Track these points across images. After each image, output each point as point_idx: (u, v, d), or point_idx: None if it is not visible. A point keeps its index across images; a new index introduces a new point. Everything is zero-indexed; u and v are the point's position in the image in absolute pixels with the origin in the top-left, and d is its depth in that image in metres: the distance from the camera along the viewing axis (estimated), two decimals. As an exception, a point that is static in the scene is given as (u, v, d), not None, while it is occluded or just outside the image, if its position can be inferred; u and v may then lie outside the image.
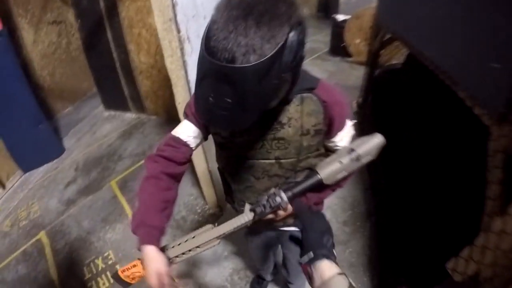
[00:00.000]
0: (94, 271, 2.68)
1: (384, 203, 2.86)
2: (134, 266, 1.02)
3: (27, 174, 4.05)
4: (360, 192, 3.09)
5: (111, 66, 4.66)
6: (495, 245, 1.11)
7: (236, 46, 0.71)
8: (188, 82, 2.25)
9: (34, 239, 3.05)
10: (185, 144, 1.17)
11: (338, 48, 6.62)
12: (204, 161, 2.67)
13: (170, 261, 1.01)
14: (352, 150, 0.99)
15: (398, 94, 3.61)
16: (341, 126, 1.13)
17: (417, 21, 2.25)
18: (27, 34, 4.60)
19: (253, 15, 0.71)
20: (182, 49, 2.11)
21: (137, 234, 1.00)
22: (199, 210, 3.04)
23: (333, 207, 2.93)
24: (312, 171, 1.03)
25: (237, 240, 2.61)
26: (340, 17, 6.58)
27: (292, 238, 1.28)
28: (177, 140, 1.17)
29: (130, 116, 5.10)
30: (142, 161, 3.78)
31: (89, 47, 4.78)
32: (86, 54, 4.90)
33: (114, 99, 5.08)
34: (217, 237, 1.01)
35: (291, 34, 0.75)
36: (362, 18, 6.08)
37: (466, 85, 1.50)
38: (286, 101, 1.01)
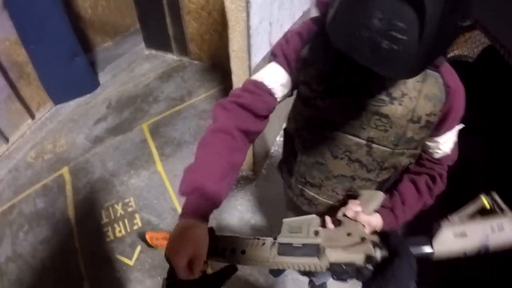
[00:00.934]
0: (112, 216, 2.62)
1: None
2: (165, 238, 0.81)
3: (58, 106, 3.96)
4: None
5: (158, 3, 4.40)
6: None
7: None
8: (248, 27, 1.95)
9: (56, 174, 2.99)
10: (269, 92, 0.94)
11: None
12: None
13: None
14: (485, 241, 0.72)
15: (469, 92, 3.31)
16: (453, 123, 0.92)
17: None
18: None
19: None
20: (246, -13, 1.85)
21: (187, 198, 0.78)
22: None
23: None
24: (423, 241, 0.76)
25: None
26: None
27: None
28: (260, 85, 0.94)
29: (171, 57, 4.87)
30: (178, 107, 3.70)
31: (136, -20, 4.55)
32: (132, -12, 4.69)
33: (156, 38, 4.85)
34: (269, 262, 0.74)
35: None
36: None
37: None
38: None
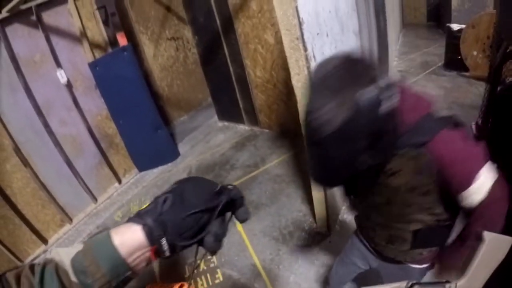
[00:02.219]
0: (195, 271, 2.84)
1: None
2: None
3: (142, 173, 4.44)
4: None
5: (227, 80, 4.92)
6: None
7: (319, 120, 0.87)
8: None
9: None
10: None
11: (454, 61, 6.21)
12: (322, 195, 2.70)
13: None
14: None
15: None
16: (465, 184, 1.00)
17: None
18: (148, 48, 5.23)
19: (331, 87, 0.88)
20: (308, 67, 2.15)
21: None
22: (306, 228, 3.04)
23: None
24: None
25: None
26: (455, 26, 6.20)
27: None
28: None
29: (243, 128, 5.26)
30: (254, 173, 3.98)
31: (206, 61, 5.10)
32: (203, 67, 5.24)
33: (228, 111, 5.33)
34: None
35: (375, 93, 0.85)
36: (478, 27, 5.66)
37: None
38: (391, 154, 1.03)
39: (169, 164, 4.57)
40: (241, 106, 5.09)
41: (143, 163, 4.49)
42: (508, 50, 3.47)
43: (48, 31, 3.61)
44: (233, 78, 4.85)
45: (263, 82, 4.59)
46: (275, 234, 3.05)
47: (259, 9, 4.04)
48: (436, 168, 1.01)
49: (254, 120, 5.09)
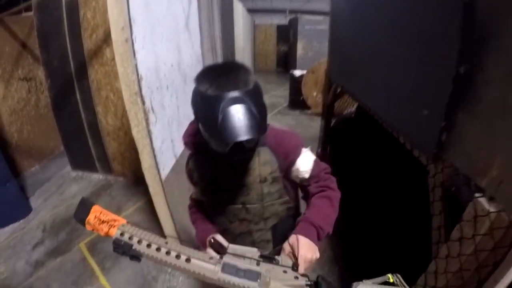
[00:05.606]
0: None
1: (348, 245, 3.11)
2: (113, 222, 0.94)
3: None
4: (325, 240, 3.25)
5: (79, 127, 4.74)
6: (444, 269, 1.30)
7: (235, 83, 1.02)
8: (153, 149, 2.43)
9: None
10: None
11: (297, 102, 7.02)
12: (171, 221, 2.84)
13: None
14: None
15: (353, 141, 3.94)
16: (297, 153, 1.30)
17: (361, 76, 2.58)
18: None
19: (229, 70, 1.08)
20: (147, 120, 2.31)
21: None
22: (169, 269, 3.08)
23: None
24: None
25: None
26: (297, 72, 7.03)
27: None
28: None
29: (97, 177, 5.13)
30: None
31: (57, 106, 4.86)
32: (55, 113, 4.97)
33: (81, 160, 5.10)
34: (211, 276, 0.86)
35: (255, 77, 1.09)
36: (317, 72, 6.53)
37: (404, 131, 1.78)
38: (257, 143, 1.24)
39: (21, 221, 4.16)
40: (94, 154, 4.95)
41: (-7, 221, 3.99)
42: (337, 91, 4.08)
43: None
44: (85, 125, 4.72)
45: (114, 130, 4.57)
46: (140, 282, 3.03)
47: (112, 57, 4.02)
48: (274, 154, 1.26)
49: (107, 168, 4.98)
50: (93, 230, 0.93)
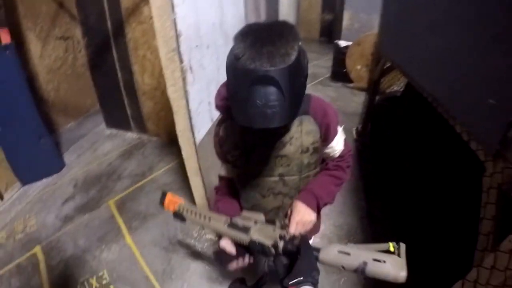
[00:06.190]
0: None
1: (381, 233, 2.88)
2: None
3: (26, 186, 4.05)
4: (357, 220, 3.09)
5: (115, 85, 4.73)
6: (486, 281, 1.15)
7: (271, 56, 0.85)
8: (189, 111, 2.30)
9: (29, 253, 3.05)
10: None
11: (340, 74, 6.73)
12: (202, 187, 2.71)
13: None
14: (364, 264, 0.88)
15: (397, 122, 3.68)
16: (334, 132, 1.26)
17: (417, 52, 2.32)
18: (34, 47, 4.72)
19: (271, 36, 0.89)
20: (184, 79, 2.17)
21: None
22: (195, 235, 3.05)
23: (328, 235, 2.94)
24: (315, 249, 0.99)
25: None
26: (342, 43, 6.70)
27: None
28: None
29: (131, 135, 5.15)
30: (141, 182, 3.86)
31: (94, 65, 4.86)
32: (91, 71, 4.98)
33: (116, 118, 5.14)
34: (220, 230, 1.16)
35: (300, 46, 0.92)
36: (363, 45, 6.20)
37: (462, 119, 1.55)
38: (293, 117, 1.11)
39: (54, 176, 4.23)
40: (128, 112, 4.95)
41: (26, 175, 4.07)
42: (385, 67, 3.83)
43: None
44: (121, 83, 4.69)
45: (151, 89, 4.50)
46: (165, 244, 3.00)
47: (150, 15, 3.91)
48: (317, 124, 1.20)
49: (142, 127, 4.97)
50: (167, 209, 1.30)
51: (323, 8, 11.23)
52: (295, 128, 1.18)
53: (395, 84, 4.62)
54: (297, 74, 0.91)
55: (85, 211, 3.54)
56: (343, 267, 0.90)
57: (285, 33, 0.92)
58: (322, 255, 0.95)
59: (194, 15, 2.30)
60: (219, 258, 1.20)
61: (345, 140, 1.33)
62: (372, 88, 4.14)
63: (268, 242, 1.02)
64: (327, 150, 1.31)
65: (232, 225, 1.13)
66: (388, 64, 3.64)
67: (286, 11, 7.89)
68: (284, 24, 0.97)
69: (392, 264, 0.86)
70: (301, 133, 1.19)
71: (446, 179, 2.71)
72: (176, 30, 2.00)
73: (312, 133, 1.20)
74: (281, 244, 1.00)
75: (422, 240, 2.41)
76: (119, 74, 4.63)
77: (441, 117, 1.78)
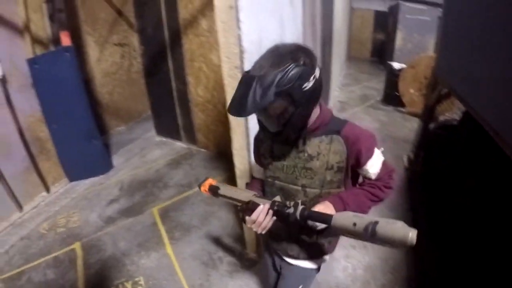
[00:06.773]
0: None
1: (427, 269, 2.73)
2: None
3: (72, 183, 4.20)
4: (402, 255, 2.95)
5: (169, 94, 4.81)
6: None
7: (261, 67, 1.06)
8: (247, 129, 2.27)
9: (68, 248, 3.11)
10: None
11: (392, 97, 6.54)
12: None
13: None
14: (375, 223, 0.96)
15: (454, 153, 3.49)
16: (369, 155, 1.30)
17: (478, 80, 2.20)
18: (92, 51, 4.98)
19: (272, 53, 1.10)
20: (245, 96, 2.13)
21: None
22: (236, 253, 3.01)
23: (372, 267, 2.83)
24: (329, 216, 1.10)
25: None
26: (396, 65, 6.53)
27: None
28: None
29: (180, 145, 5.22)
30: (186, 193, 3.87)
31: (149, 72, 4.98)
32: (146, 78, 5.11)
33: (167, 126, 5.21)
34: (244, 201, 1.27)
35: (300, 66, 1.06)
36: (417, 68, 6.02)
37: None
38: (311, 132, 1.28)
39: (101, 176, 4.35)
40: (179, 123, 5.02)
41: (74, 172, 4.23)
42: (442, 93, 3.69)
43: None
44: (175, 93, 4.77)
45: (203, 102, 4.55)
46: (205, 258, 2.97)
47: (208, 28, 4.02)
48: (346, 147, 1.27)
49: (192, 138, 5.02)
50: (204, 191, 1.42)
51: (375, 27, 11.08)
52: (324, 146, 1.28)
53: (451, 111, 4.42)
54: (280, 84, 1.03)
55: (128, 215, 3.58)
56: (354, 224, 0.98)
57: (280, 56, 1.08)
58: (335, 219, 1.05)
59: (257, 31, 2.26)
60: (243, 210, 1.28)
61: (385, 162, 1.36)
62: (427, 114, 4.00)
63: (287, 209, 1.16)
64: (362, 172, 1.37)
65: (254, 199, 1.25)
66: (445, 91, 3.50)
67: (340, 28, 7.84)
68: (291, 46, 1.14)
69: (402, 225, 0.92)
70: (329, 151, 1.28)
71: (505, 218, 2.53)
72: (240, 46, 1.98)
73: (339, 153, 1.28)
74: (300, 207, 1.13)
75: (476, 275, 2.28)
76: (173, 84, 4.71)
77: (502, 151, 1.67)
